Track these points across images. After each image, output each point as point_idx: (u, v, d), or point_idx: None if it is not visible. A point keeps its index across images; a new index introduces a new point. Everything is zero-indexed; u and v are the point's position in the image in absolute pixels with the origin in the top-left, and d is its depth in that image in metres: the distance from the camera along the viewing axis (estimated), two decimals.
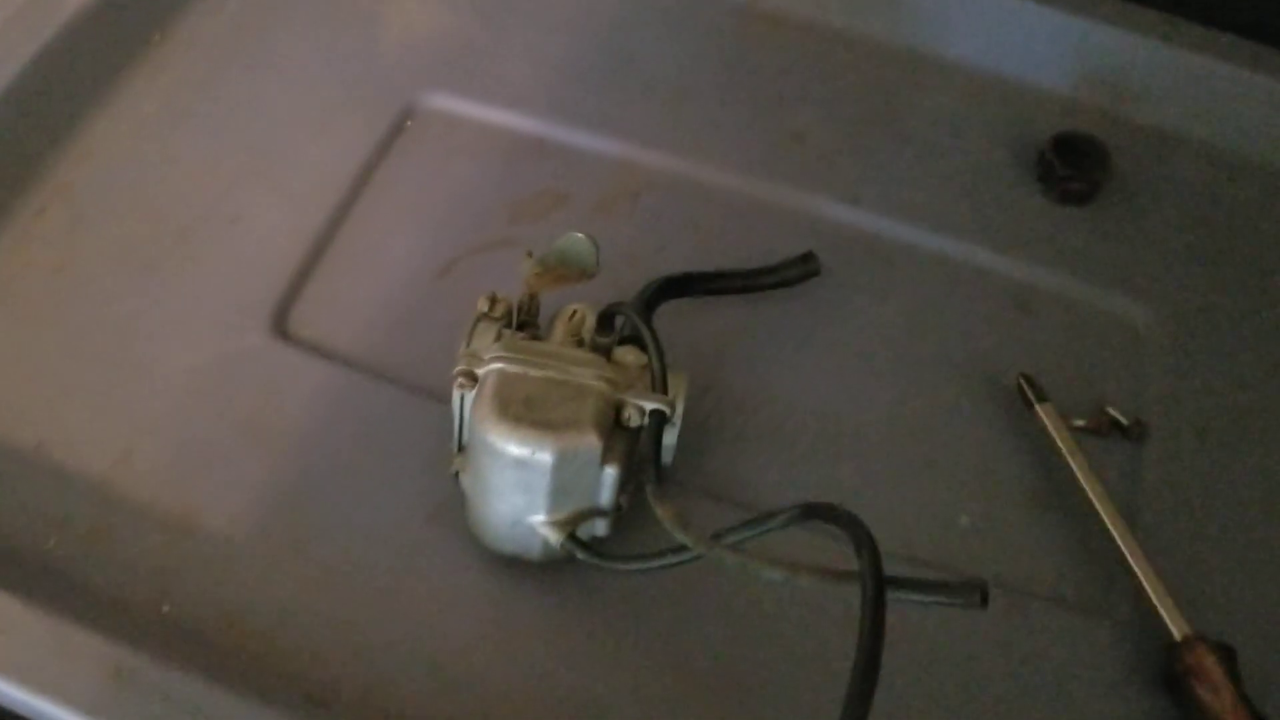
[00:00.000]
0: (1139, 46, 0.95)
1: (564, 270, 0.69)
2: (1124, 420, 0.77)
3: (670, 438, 0.67)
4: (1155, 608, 0.68)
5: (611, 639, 0.67)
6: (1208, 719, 0.64)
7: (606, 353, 0.68)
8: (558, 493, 0.63)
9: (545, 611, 0.68)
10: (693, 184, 0.88)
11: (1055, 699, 0.67)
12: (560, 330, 0.68)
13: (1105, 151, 0.90)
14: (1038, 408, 0.76)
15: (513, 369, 0.64)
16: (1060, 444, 0.74)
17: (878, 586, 0.49)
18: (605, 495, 0.65)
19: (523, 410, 0.62)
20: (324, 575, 0.68)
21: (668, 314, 0.73)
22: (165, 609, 0.66)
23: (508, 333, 0.68)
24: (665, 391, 0.66)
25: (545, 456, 0.62)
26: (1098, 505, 0.72)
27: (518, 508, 0.64)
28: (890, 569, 0.52)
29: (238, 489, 0.71)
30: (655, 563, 0.63)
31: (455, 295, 0.80)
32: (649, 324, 0.68)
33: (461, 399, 0.66)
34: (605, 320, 0.69)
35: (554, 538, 0.65)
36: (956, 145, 0.93)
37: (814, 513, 0.54)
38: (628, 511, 0.67)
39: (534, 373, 0.64)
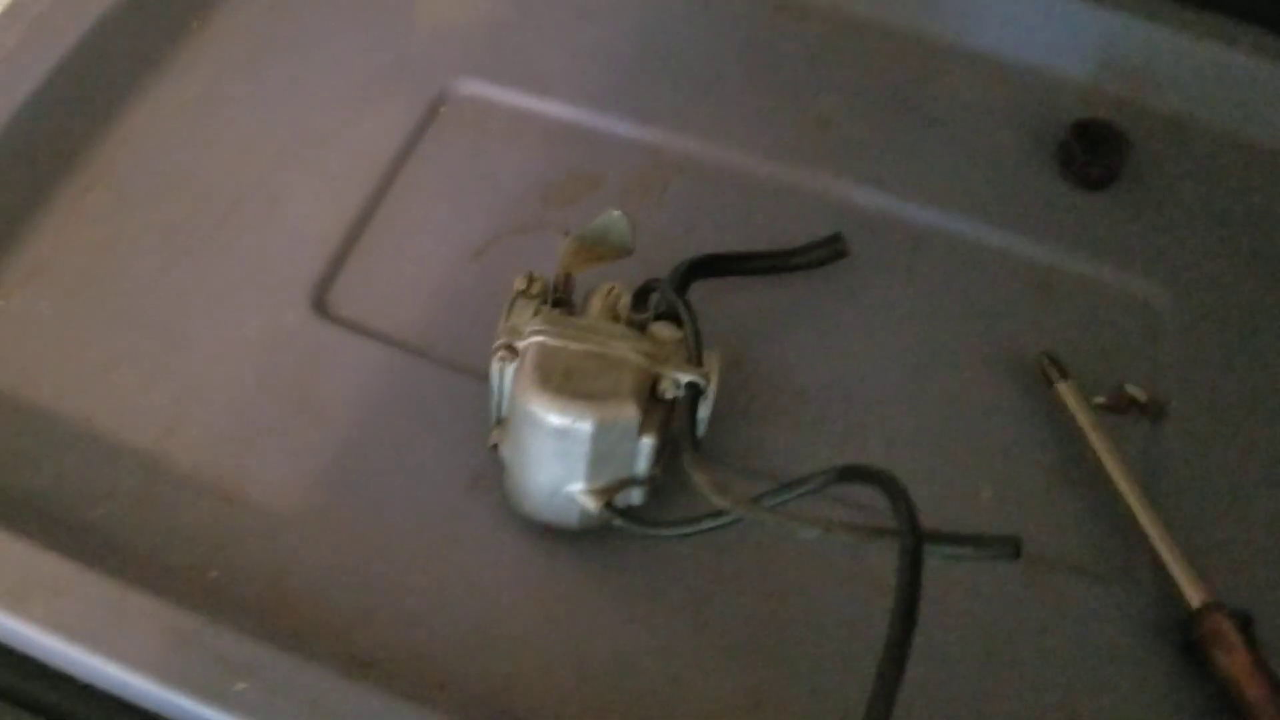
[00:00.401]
0: (1158, 35, 0.96)
1: (601, 248, 0.71)
2: (1143, 398, 0.79)
3: (704, 411, 0.68)
4: (1174, 576, 0.70)
5: (645, 604, 0.69)
6: (1225, 683, 0.66)
7: (642, 328, 0.70)
8: (596, 462, 0.65)
9: (582, 578, 0.70)
10: (721, 168, 0.90)
11: (1076, 664, 0.69)
12: (597, 306, 0.70)
13: (1124, 138, 0.92)
14: (1059, 385, 0.78)
15: (553, 342, 0.66)
16: (1081, 420, 0.76)
17: (915, 539, 0.51)
18: (642, 465, 0.67)
19: (563, 381, 0.64)
20: (366, 543, 0.70)
21: (698, 294, 0.75)
22: (213, 575, 0.68)
23: (545, 309, 0.70)
24: (700, 365, 0.68)
25: (585, 426, 0.64)
26: (1117, 479, 0.74)
27: (557, 477, 0.66)
28: None
29: (281, 460, 0.73)
30: (694, 527, 0.65)
31: (490, 275, 0.82)
32: (685, 299, 0.70)
33: (501, 372, 0.68)
34: (641, 297, 0.71)
35: (592, 506, 0.67)
36: (979, 131, 0.95)
37: (850, 474, 0.56)
38: (663, 483, 0.69)
39: (573, 346, 0.66)
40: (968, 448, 0.78)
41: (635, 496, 0.69)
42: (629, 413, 0.64)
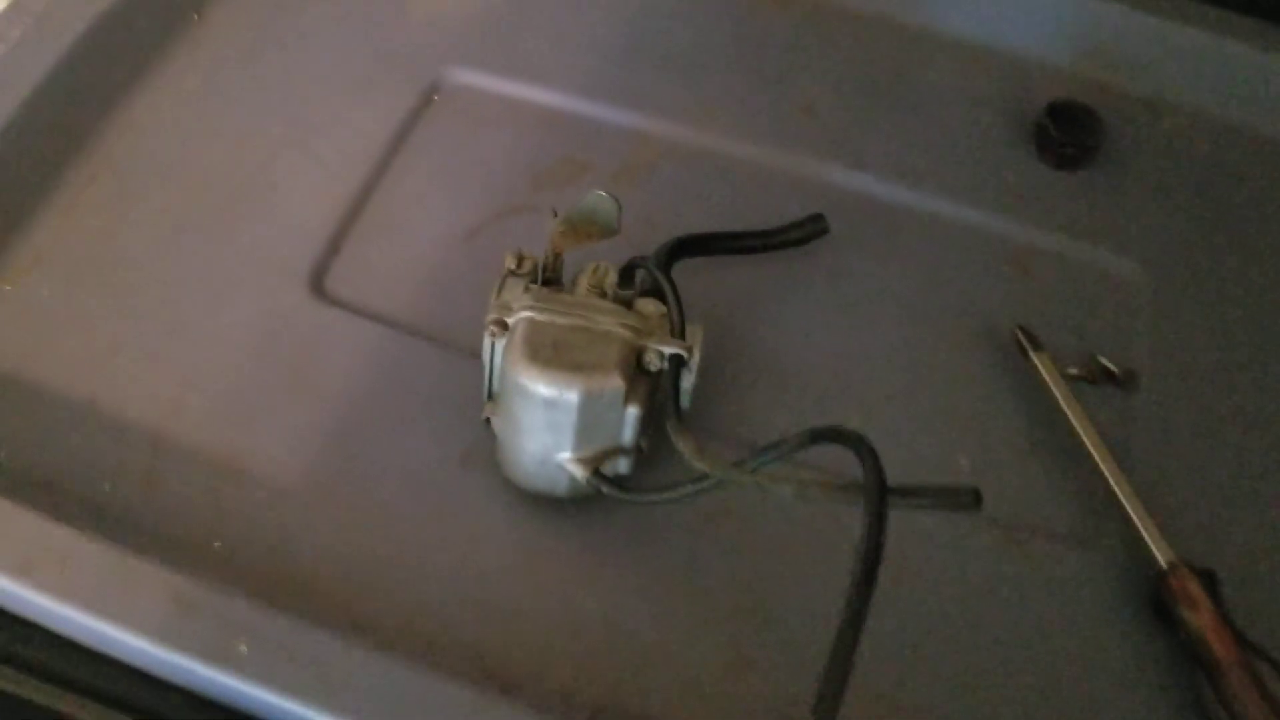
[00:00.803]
0: (1131, 19, 0.99)
1: (588, 228, 0.73)
2: (1115, 369, 0.82)
3: (687, 383, 0.71)
4: (1143, 538, 0.72)
5: (633, 569, 0.72)
6: (1192, 638, 0.69)
7: (628, 304, 0.72)
8: (584, 431, 0.68)
9: (571, 544, 0.72)
10: (707, 153, 0.93)
11: (1050, 623, 0.72)
12: (584, 283, 0.72)
13: (1098, 118, 0.94)
14: (1033, 356, 0.80)
15: (541, 317, 0.69)
16: (1055, 390, 0.79)
17: (880, 491, 0.53)
18: (628, 434, 0.69)
19: (551, 354, 0.67)
20: (364, 515, 0.73)
21: (684, 272, 0.77)
22: (216, 545, 0.71)
23: (534, 287, 0.72)
24: (684, 338, 0.70)
25: (572, 396, 0.66)
26: (1089, 446, 0.76)
27: (546, 446, 0.69)
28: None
29: (281, 436, 0.75)
30: (676, 492, 0.67)
31: (482, 257, 0.84)
32: (668, 275, 0.73)
33: (493, 347, 0.70)
34: (626, 274, 0.74)
35: (580, 474, 0.69)
36: (957, 114, 0.97)
37: (821, 435, 0.59)
38: (648, 454, 0.72)
39: (561, 320, 0.68)
40: (945, 418, 0.80)
41: (622, 465, 0.71)
42: (614, 383, 0.67)
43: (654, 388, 0.69)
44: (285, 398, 0.77)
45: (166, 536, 0.71)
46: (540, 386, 0.66)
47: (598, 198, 0.73)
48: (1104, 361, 0.82)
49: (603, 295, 0.72)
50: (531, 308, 0.69)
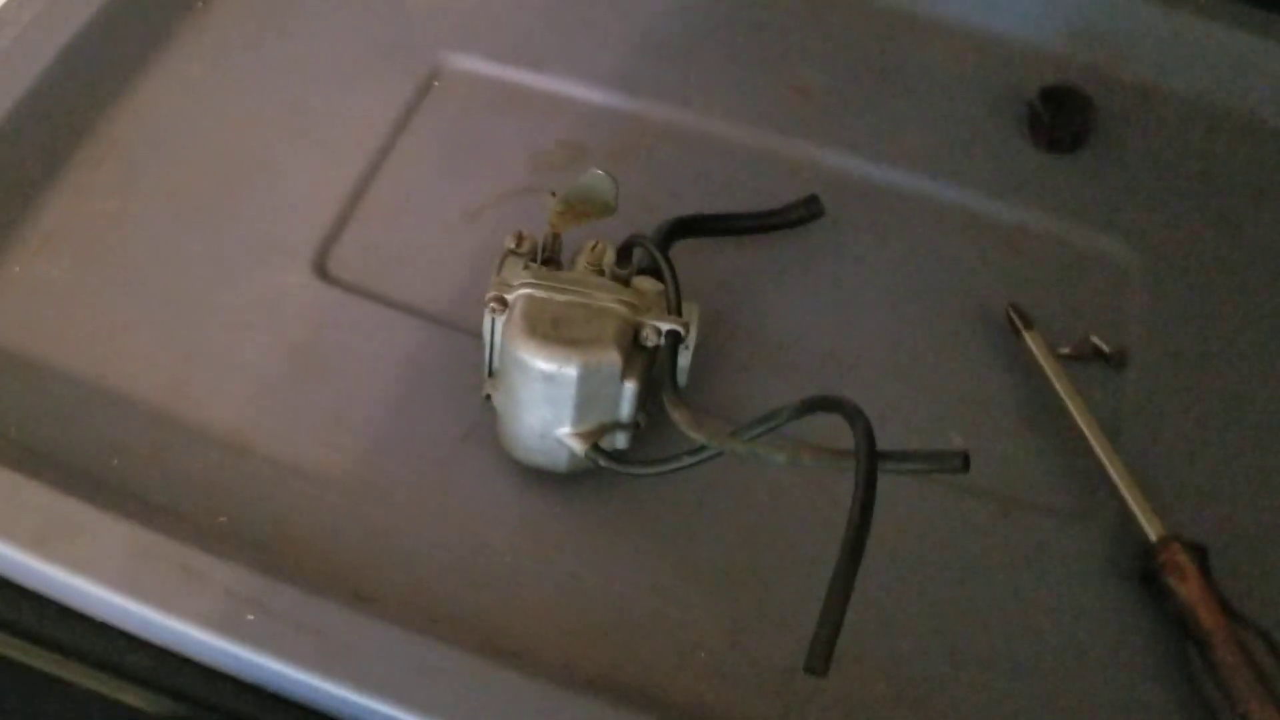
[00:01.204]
0: (1125, 4, 1.00)
1: (586, 207, 0.74)
2: (1106, 348, 0.83)
3: (684, 360, 0.72)
4: (1133, 512, 0.73)
5: (631, 542, 0.73)
6: (1181, 610, 0.70)
7: (625, 282, 0.73)
8: (582, 406, 0.69)
9: (570, 518, 0.74)
10: (703, 136, 0.94)
11: (1042, 596, 0.73)
12: (582, 261, 0.74)
13: (1090, 102, 0.95)
14: (1025, 335, 0.81)
15: (540, 294, 0.70)
16: (1046, 368, 0.80)
17: (870, 455, 0.54)
18: (625, 409, 0.71)
19: (550, 330, 0.68)
20: (367, 489, 0.74)
21: (681, 252, 0.78)
22: (222, 520, 0.72)
23: (534, 265, 0.73)
24: (680, 315, 0.72)
25: (571, 371, 0.67)
26: (1081, 423, 0.77)
27: (546, 420, 0.70)
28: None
29: (285, 414, 0.77)
30: (673, 465, 0.69)
31: (482, 238, 0.86)
32: (665, 254, 0.74)
33: (493, 324, 0.72)
34: (624, 252, 0.75)
35: (579, 448, 0.70)
36: (950, 98, 0.98)
37: (813, 404, 0.60)
38: (645, 429, 0.73)
39: (559, 297, 0.70)
40: (938, 396, 0.81)
41: (620, 440, 0.73)
42: (612, 358, 0.68)
43: (651, 363, 0.71)
44: (289, 376, 0.79)
45: (173, 511, 0.72)
46: (539, 361, 0.68)
47: (595, 176, 0.74)
48: (1095, 340, 0.83)
49: (600, 273, 0.73)
50: (530, 284, 0.70)
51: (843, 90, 0.98)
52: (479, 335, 0.74)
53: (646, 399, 0.71)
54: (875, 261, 0.88)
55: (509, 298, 0.71)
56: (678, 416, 0.66)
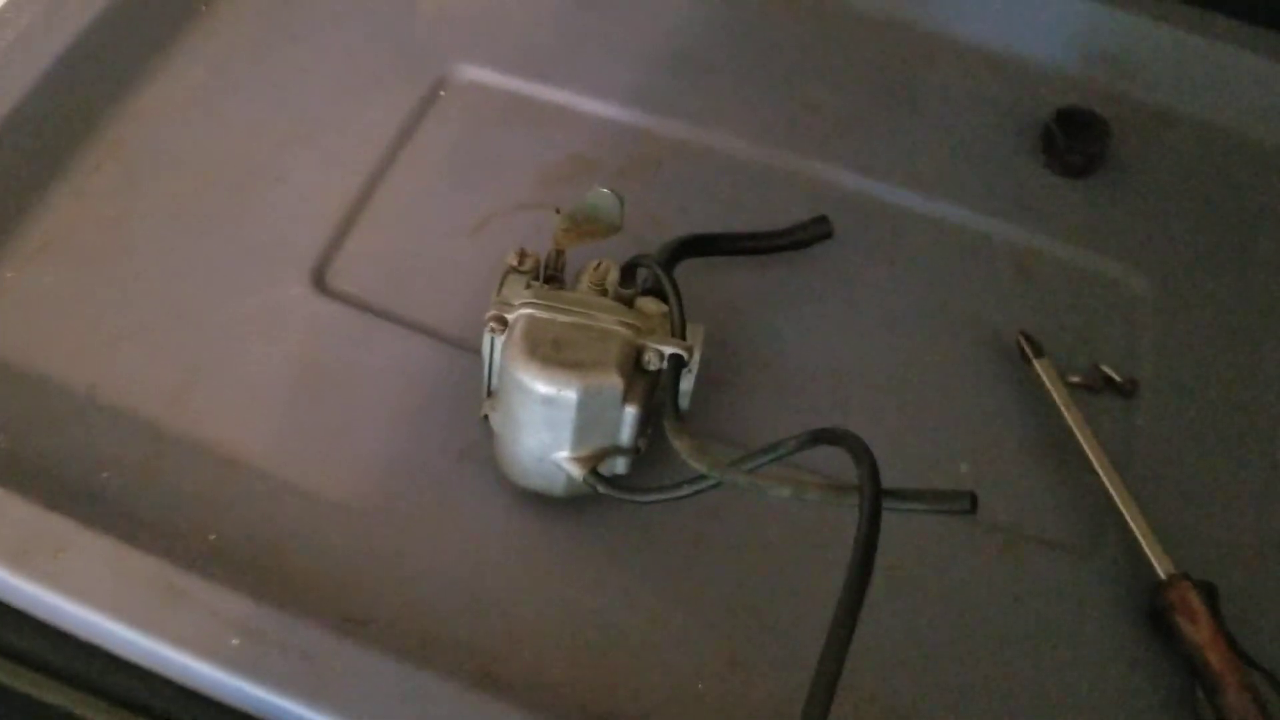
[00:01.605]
0: (1141, 27, 0.99)
1: (591, 225, 0.73)
2: (1117, 377, 0.82)
3: (687, 384, 0.71)
4: (1142, 549, 0.72)
5: (629, 569, 0.72)
6: (1189, 649, 0.68)
7: (629, 303, 0.72)
8: (582, 429, 0.68)
9: (567, 543, 0.72)
10: (712, 152, 0.93)
11: (1047, 632, 0.72)
12: (585, 281, 0.72)
13: (1106, 126, 0.94)
14: (1036, 363, 0.80)
15: (541, 314, 0.68)
16: (1056, 397, 0.78)
17: (875, 493, 0.53)
18: (626, 434, 0.69)
19: (550, 351, 0.67)
20: (361, 509, 0.72)
21: (687, 272, 0.76)
22: (211, 538, 0.70)
23: (536, 284, 0.72)
24: (684, 338, 0.70)
25: (571, 394, 0.66)
26: (1090, 454, 0.76)
27: (544, 444, 0.69)
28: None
29: (280, 428, 0.75)
30: (673, 493, 0.67)
31: (485, 253, 0.84)
32: (670, 275, 0.72)
33: (492, 343, 0.70)
34: (628, 272, 0.73)
35: (577, 473, 0.69)
36: (963, 118, 0.97)
37: (819, 437, 0.59)
38: (645, 454, 0.72)
39: (561, 318, 0.68)
40: (947, 423, 0.80)
41: (620, 465, 0.71)
42: (613, 382, 0.66)
43: (653, 387, 0.69)
44: (285, 391, 0.77)
45: (162, 527, 0.70)
46: (538, 384, 0.66)
47: (601, 194, 0.72)
48: (1106, 370, 0.82)
49: (604, 293, 0.72)
50: (531, 304, 0.69)
51: (854, 109, 0.97)
52: (478, 351, 0.72)
53: (648, 423, 0.70)
54: (884, 284, 0.86)
55: (509, 317, 0.69)
56: (680, 444, 0.64)
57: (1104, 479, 0.75)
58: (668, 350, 0.69)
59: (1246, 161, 0.97)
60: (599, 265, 0.72)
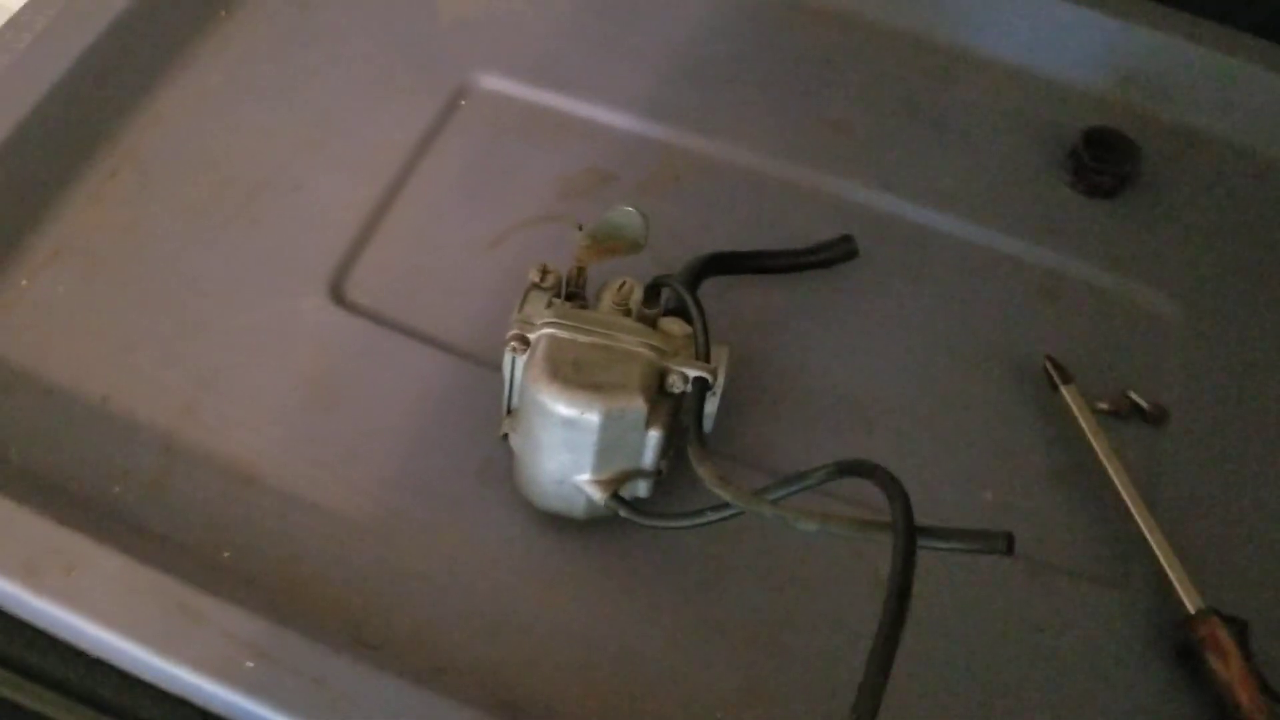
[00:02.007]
0: (1171, 46, 0.97)
1: (613, 242, 0.72)
2: (1145, 404, 0.80)
3: (711, 406, 0.70)
4: (1171, 582, 0.71)
5: (648, 595, 0.70)
6: (1218, 688, 0.67)
7: (652, 323, 0.71)
8: (603, 452, 0.67)
9: (586, 567, 0.71)
10: (735, 168, 0.91)
11: (1072, 666, 0.70)
12: (608, 300, 0.71)
13: (1135, 147, 0.92)
14: (1063, 389, 0.78)
15: (563, 334, 0.67)
16: (1083, 424, 0.77)
17: (909, 532, 0.52)
18: (648, 457, 0.68)
19: (572, 373, 0.66)
20: (376, 527, 0.72)
21: (709, 290, 0.75)
22: (225, 555, 0.70)
23: (558, 301, 0.71)
24: (708, 360, 0.69)
25: (593, 417, 0.65)
26: (1117, 484, 0.74)
27: (565, 466, 0.68)
28: None
29: (294, 442, 0.74)
30: (696, 520, 0.66)
31: (504, 266, 0.83)
32: (695, 296, 0.71)
33: (513, 362, 0.69)
34: (652, 292, 0.72)
35: (598, 496, 0.68)
36: (990, 137, 0.96)
37: (848, 469, 0.57)
38: (666, 477, 0.70)
39: (583, 338, 0.67)
40: (971, 449, 0.79)
41: (641, 489, 0.70)
42: (637, 405, 0.65)
43: (676, 410, 0.68)
44: (300, 404, 0.76)
45: (175, 543, 0.70)
46: (560, 406, 0.65)
47: (624, 213, 0.71)
48: (1134, 397, 0.81)
49: (627, 313, 0.71)
50: (553, 324, 0.68)
51: (879, 125, 0.95)
52: (497, 368, 0.71)
53: (670, 446, 0.69)
54: (909, 306, 0.85)
55: (531, 337, 0.68)
56: (704, 471, 0.63)
57: (1131, 509, 0.73)
58: (692, 373, 0.67)
59: (1278, 184, 0.95)
60: (623, 285, 0.71)
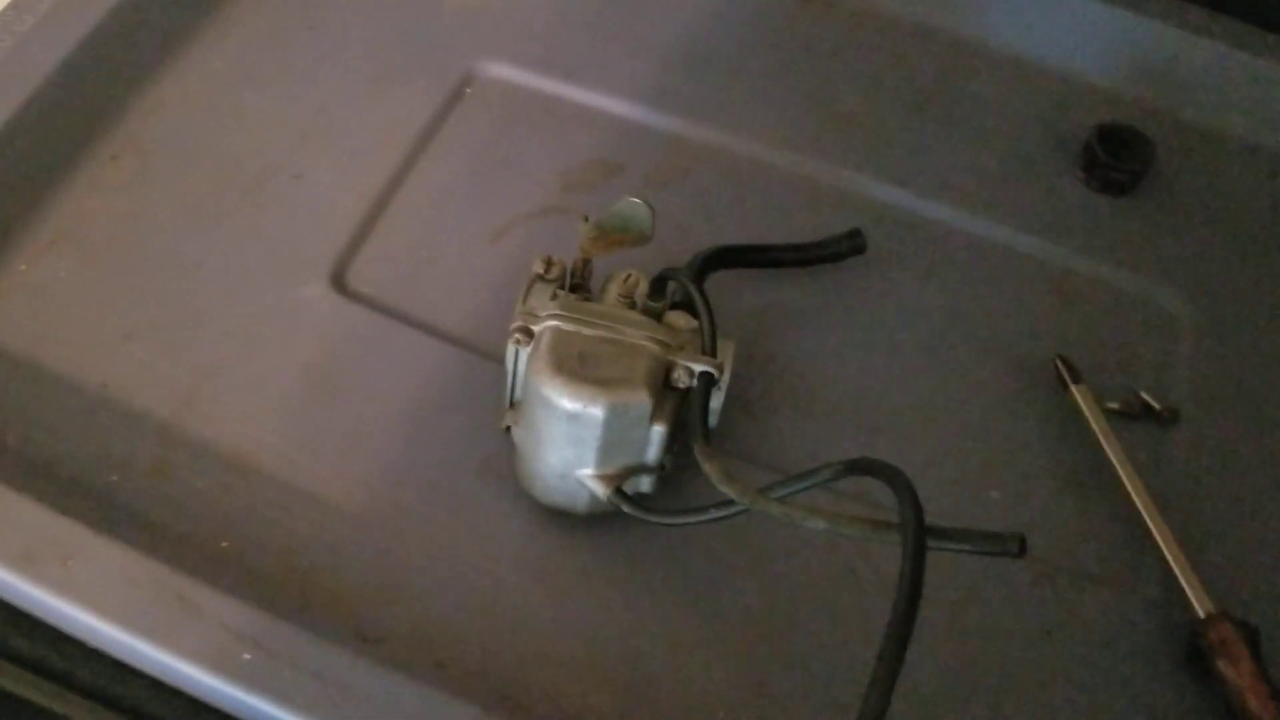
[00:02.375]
0: (1186, 42, 0.96)
1: (620, 235, 0.71)
2: (1156, 404, 0.79)
3: (716, 402, 0.69)
4: (1181, 584, 0.70)
5: (650, 591, 0.70)
6: (1229, 693, 0.66)
7: (658, 316, 0.70)
8: (607, 447, 0.66)
9: (588, 562, 0.70)
10: (742, 160, 0.90)
11: (1079, 668, 0.69)
12: (614, 292, 0.70)
13: (1148, 143, 0.91)
14: (1073, 389, 0.77)
15: (568, 327, 0.66)
16: (1093, 424, 0.76)
17: (919, 533, 0.51)
18: (652, 452, 0.67)
19: (577, 366, 0.65)
20: (376, 520, 0.71)
21: (716, 284, 0.75)
22: (224, 545, 0.69)
23: (562, 293, 0.70)
24: (714, 355, 0.68)
25: (597, 411, 0.64)
26: (1127, 485, 0.74)
27: (568, 460, 0.67)
28: None
29: (295, 435, 0.73)
30: (700, 516, 0.65)
31: (508, 258, 0.82)
32: (701, 289, 0.70)
33: (516, 354, 0.68)
34: (658, 285, 0.72)
35: (601, 491, 0.67)
36: (1002, 132, 0.94)
37: (857, 467, 0.56)
38: (670, 472, 0.69)
39: (588, 331, 0.66)
40: (979, 447, 0.78)
41: (645, 484, 0.69)
42: (641, 400, 0.64)
43: (681, 405, 0.67)
44: (301, 394, 0.75)
45: (173, 533, 0.69)
46: (564, 399, 0.64)
47: (631, 204, 0.71)
48: (1145, 397, 0.80)
49: (632, 306, 0.70)
50: (558, 316, 0.67)
51: (888, 118, 0.94)
52: (500, 359, 0.70)
53: (674, 441, 0.68)
54: (917, 302, 0.84)
55: (535, 329, 0.67)
56: (709, 468, 0.62)
57: (1142, 511, 0.73)
58: (698, 368, 0.66)
59: None
60: (628, 277, 0.70)
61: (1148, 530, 0.72)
